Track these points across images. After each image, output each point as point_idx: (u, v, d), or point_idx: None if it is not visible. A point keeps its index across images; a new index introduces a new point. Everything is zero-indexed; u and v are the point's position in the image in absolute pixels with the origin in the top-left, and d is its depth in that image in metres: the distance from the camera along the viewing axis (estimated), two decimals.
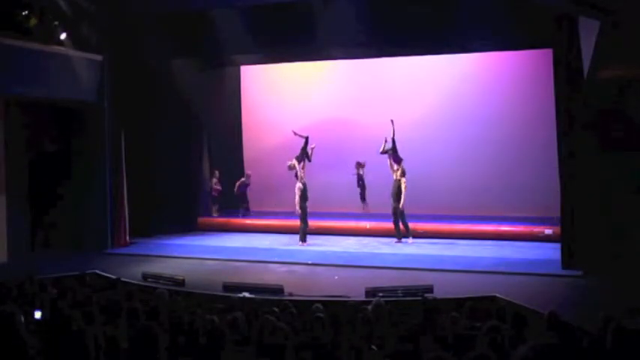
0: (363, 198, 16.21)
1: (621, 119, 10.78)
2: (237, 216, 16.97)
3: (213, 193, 17.02)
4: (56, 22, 12.89)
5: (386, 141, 14.30)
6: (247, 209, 17.21)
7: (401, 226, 13.86)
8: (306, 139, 14.53)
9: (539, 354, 2.69)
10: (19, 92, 12.71)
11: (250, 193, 17.75)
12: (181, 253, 13.49)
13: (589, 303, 8.94)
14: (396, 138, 14.26)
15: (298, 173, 14.03)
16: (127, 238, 14.54)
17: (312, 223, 14.54)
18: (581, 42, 10.45)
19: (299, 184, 13.94)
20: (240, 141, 18.66)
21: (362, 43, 13.61)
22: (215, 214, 17.02)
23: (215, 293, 9.89)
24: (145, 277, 10.97)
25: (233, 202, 17.54)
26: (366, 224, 15.09)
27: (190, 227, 16.19)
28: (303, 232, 13.95)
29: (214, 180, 17.00)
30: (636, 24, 7.47)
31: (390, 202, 13.80)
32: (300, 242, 13.90)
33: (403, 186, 13.69)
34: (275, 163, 17.41)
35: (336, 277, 11.19)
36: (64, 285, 9.04)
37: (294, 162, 14.15)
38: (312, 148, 14.60)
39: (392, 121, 14.36)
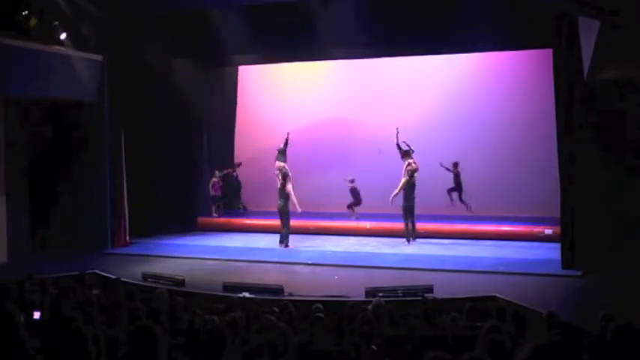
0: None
1: (621, 119, 10.79)
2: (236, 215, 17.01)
3: (213, 192, 17.00)
4: (56, 22, 12.88)
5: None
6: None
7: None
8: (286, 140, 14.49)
9: (540, 355, 2.69)
10: (19, 92, 12.71)
11: (249, 193, 17.76)
12: (181, 253, 13.49)
13: (589, 303, 8.94)
14: (400, 144, 14.27)
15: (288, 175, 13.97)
16: (127, 238, 14.54)
17: (313, 223, 14.52)
18: (581, 42, 10.46)
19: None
20: (240, 141, 18.64)
21: (362, 43, 13.62)
22: (215, 214, 17.02)
23: (215, 293, 9.89)
24: (145, 277, 10.96)
25: (234, 203, 17.63)
26: (366, 224, 15.09)
27: (190, 227, 16.19)
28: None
29: (214, 180, 16.98)
30: (636, 24, 7.47)
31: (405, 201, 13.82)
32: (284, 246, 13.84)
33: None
34: (274, 163, 17.43)
35: (336, 277, 11.19)
36: (64, 285, 9.03)
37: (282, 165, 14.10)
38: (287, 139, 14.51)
39: (397, 130, 14.32)
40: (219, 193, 17.06)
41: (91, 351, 3.80)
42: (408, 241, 13.77)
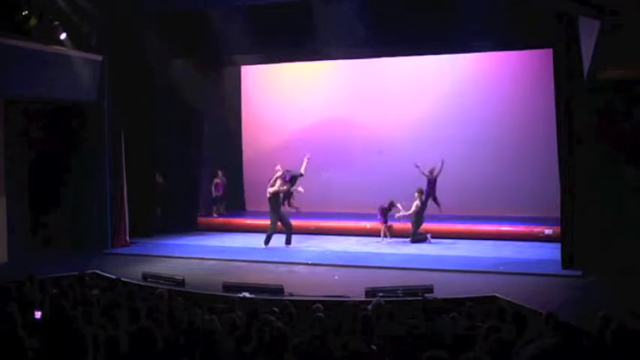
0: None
1: (621, 119, 10.79)
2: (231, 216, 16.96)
3: (215, 193, 16.96)
4: (56, 22, 12.88)
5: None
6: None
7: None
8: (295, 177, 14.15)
9: (545, 354, 2.70)
10: (19, 92, 12.70)
11: (249, 193, 17.76)
12: (181, 253, 13.48)
13: (589, 303, 8.94)
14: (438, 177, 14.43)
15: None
16: (127, 238, 14.53)
17: (313, 223, 14.53)
18: (581, 42, 10.46)
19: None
20: (240, 141, 18.65)
21: (362, 43, 13.60)
22: (215, 214, 16.99)
23: (215, 293, 9.89)
24: (145, 277, 10.96)
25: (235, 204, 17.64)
26: (366, 224, 15.09)
27: (190, 227, 16.18)
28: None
29: (216, 180, 16.94)
30: (636, 24, 7.47)
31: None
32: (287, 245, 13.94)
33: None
34: (274, 163, 17.40)
35: (336, 277, 11.19)
36: (64, 285, 9.03)
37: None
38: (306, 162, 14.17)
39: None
40: (220, 194, 17.02)
41: (91, 351, 3.81)
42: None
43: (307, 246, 13.95)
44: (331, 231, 15.09)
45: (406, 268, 11.52)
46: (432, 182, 14.33)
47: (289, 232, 13.98)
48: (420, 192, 14.00)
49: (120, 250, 14.03)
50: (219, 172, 17.03)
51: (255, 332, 5.61)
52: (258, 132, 18.20)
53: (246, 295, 9.58)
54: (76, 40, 13.38)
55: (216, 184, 16.94)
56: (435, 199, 14.35)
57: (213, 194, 16.96)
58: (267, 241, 13.82)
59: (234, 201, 18.03)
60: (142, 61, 14.61)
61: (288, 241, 13.94)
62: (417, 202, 13.91)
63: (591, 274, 10.45)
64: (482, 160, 15.84)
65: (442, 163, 14.22)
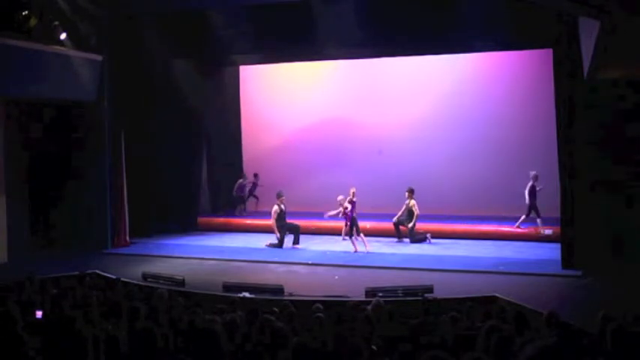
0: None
1: (621, 119, 10.79)
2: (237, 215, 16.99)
3: (240, 193, 16.99)
4: (56, 22, 12.88)
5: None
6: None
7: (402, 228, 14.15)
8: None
9: (543, 355, 2.71)
10: (20, 92, 12.71)
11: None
12: (181, 253, 13.49)
13: (589, 303, 8.94)
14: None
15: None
16: (127, 238, 14.53)
17: (312, 222, 14.54)
18: (581, 42, 10.46)
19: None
20: (240, 141, 18.65)
21: (362, 43, 13.62)
22: (245, 214, 17.03)
23: (215, 293, 9.90)
24: (145, 277, 10.97)
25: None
26: (366, 224, 15.06)
27: (190, 227, 16.19)
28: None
29: (244, 182, 16.99)
30: (636, 24, 7.47)
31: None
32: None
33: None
34: (274, 163, 17.42)
35: (336, 277, 11.19)
36: (64, 285, 9.04)
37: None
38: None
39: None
40: (245, 195, 17.06)
41: (91, 351, 3.81)
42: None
43: (307, 246, 13.94)
44: (331, 231, 15.07)
45: (406, 268, 11.53)
46: (534, 190, 13.88)
47: (297, 232, 14.06)
48: (411, 191, 13.97)
49: (120, 250, 14.03)
50: (254, 176, 17.16)
51: (255, 332, 5.61)
52: (258, 132, 18.18)
53: (246, 295, 9.57)
54: (76, 40, 13.38)
55: (243, 186, 17.01)
56: (535, 208, 13.73)
57: (240, 194, 16.99)
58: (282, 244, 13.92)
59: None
60: (142, 61, 14.61)
61: (296, 241, 13.99)
62: (413, 202, 13.87)
63: (591, 274, 10.46)
64: (482, 160, 15.83)
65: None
